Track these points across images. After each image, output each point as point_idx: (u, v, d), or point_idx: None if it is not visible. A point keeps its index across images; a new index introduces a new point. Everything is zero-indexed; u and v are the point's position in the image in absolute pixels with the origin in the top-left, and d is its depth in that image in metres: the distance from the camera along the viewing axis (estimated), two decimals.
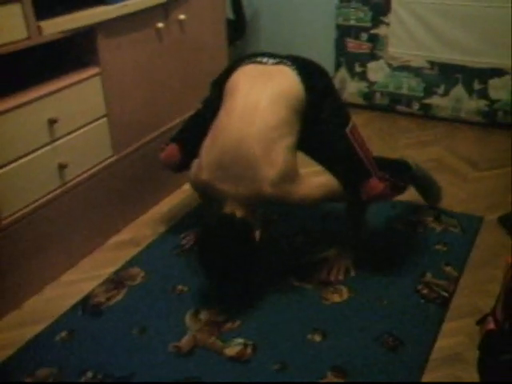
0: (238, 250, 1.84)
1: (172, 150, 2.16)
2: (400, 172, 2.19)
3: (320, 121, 1.94)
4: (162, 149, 2.22)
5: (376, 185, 1.92)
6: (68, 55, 2.20)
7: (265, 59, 1.98)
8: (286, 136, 1.83)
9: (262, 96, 1.86)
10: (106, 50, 2.19)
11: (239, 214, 1.84)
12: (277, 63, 1.96)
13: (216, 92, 2.07)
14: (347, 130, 1.97)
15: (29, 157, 1.97)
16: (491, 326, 1.65)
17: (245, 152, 1.79)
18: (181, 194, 2.71)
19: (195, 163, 2.00)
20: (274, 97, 1.86)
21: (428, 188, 2.47)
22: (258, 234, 1.90)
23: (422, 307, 1.97)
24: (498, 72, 3.13)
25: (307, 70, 1.98)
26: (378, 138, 3.20)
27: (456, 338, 1.85)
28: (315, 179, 1.91)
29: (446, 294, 2.02)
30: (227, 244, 1.83)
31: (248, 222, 1.86)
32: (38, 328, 1.94)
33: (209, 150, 1.88)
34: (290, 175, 1.82)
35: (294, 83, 1.91)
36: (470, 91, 3.23)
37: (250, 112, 1.83)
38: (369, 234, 2.33)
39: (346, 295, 2.04)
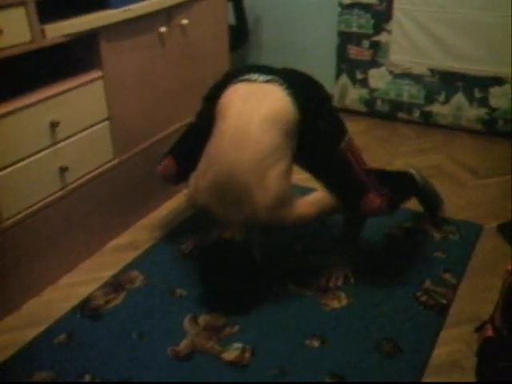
0: (239, 273, 1.91)
1: (168, 163, 2.19)
2: (404, 185, 2.19)
3: (314, 139, 1.91)
4: (158, 162, 2.23)
5: (373, 200, 1.92)
6: (71, 58, 2.21)
7: (255, 76, 1.93)
8: (279, 161, 1.81)
9: (253, 120, 1.83)
10: (109, 54, 2.20)
11: (238, 236, 1.89)
12: (268, 81, 1.91)
13: (208, 107, 2.05)
14: (342, 145, 1.94)
15: (30, 159, 1.97)
16: (490, 333, 1.65)
17: (238, 179, 1.79)
18: (180, 199, 2.72)
19: (192, 183, 1.99)
20: (265, 121, 1.82)
21: (431, 201, 2.46)
22: (258, 252, 1.94)
23: (421, 314, 1.97)
24: (498, 80, 3.14)
25: (300, 88, 1.92)
26: (378, 145, 3.21)
27: (454, 345, 1.85)
28: (308, 198, 1.92)
29: (444, 302, 2.02)
30: (228, 268, 1.90)
31: (247, 244, 1.91)
32: (37, 330, 1.94)
33: (203, 174, 1.88)
34: (283, 200, 1.82)
35: (286, 105, 1.86)
36: (470, 99, 3.24)
37: (242, 137, 1.81)
38: (368, 241, 2.34)
39: (344, 301, 2.04)
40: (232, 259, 1.91)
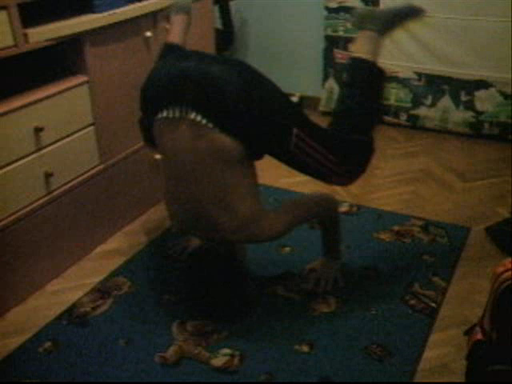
0: (226, 278, 1.91)
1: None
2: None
3: (265, 150, 1.82)
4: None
5: (339, 182, 1.92)
6: (56, 63, 2.19)
7: (170, 113, 1.76)
8: (237, 184, 1.77)
9: (196, 161, 1.75)
10: (94, 59, 2.18)
11: (221, 248, 1.92)
12: (194, 122, 1.72)
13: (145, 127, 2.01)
14: (291, 147, 1.79)
15: (14, 165, 1.95)
16: (479, 336, 1.65)
17: (202, 213, 1.80)
18: None
19: (167, 210, 1.96)
20: (208, 161, 1.73)
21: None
22: (244, 257, 1.96)
23: (410, 317, 1.96)
24: (483, 84, 3.16)
25: (231, 116, 1.71)
26: None
27: (444, 349, 1.84)
28: (277, 212, 1.88)
29: (433, 305, 2.02)
30: (215, 273, 1.91)
31: (232, 252, 1.93)
32: (22, 339, 1.91)
33: (172, 207, 1.90)
34: (251, 218, 1.80)
35: (221, 141, 1.71)
36: (456, 103, 3.26)
37: (192, 176, 1.77)
38: (357, 245, 2.33)
39: (333, 305, 2.03)
40: (218, 264, 1.92)
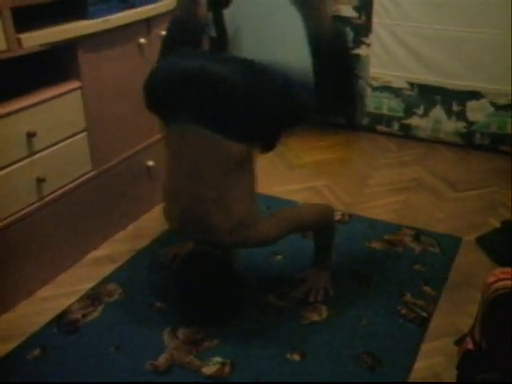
0: (218, 284, 1.91)
1: None
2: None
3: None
4: None
5: None
6: (49, 68, 2.18)
7: (177, 123, 1.84)
8: (238, 185, 1.82)
9: (203, 156, 1.81)
10: (87, 65, 2.17)
11: (215, 250, 1.92)
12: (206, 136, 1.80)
13: None
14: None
15: (6, 170, 1.94)
16: (469, 346, 1.65)
17: (200, 212, 1.83)
18: (160, 210, 2.68)
19: (163, 210, 2.00)
20: (216, 156, 1.80)
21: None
22: (236, 263, 1.97)
23: (401, 327, 1.96)
24: (475, 95, 3.18)
25: (239, 123, 1.79)
26: (358, 157, 3.22)
27: (435, 359, 1.84)
28: (273, 217, 1.92)
29: (424, 314, 2.02)
30: (206, 279, 1.91)
31: (225, 255, 1.93)
32: (10, 346, 1.89)
33: (171, 206, 1.93)
34: (246, 222, 1.83)
35: (229, 147, 1.79)
36: (448, 113, 3.28)
37: (197, 174, 1.82)
38: (348, 254, 2.34)
39: (324, 314, 2.03)
40: (210, 270, 1.91)
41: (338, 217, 2.61)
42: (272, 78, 1.86)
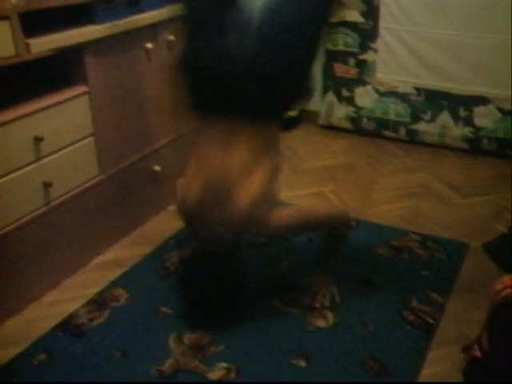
0: (223, 286, 1.91)
1: None
2: None
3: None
4: None
5: None
6: (57, 73, 2.19)
7: (215, 116, 1.93)
8: (263, 162, 1.88)
9: (237, 132, 1.88)
10: (95, 69, 2.18)
11: (220, 248, 1.92)
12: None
13: None
14: None
15: (13, 174, 1.94)
16: (477, 353, 1.64)
17: (224, 181, 1.86)
18: (166, 215, 2.69)
19: (180, 190, 2.01)
20: (249, 134, 1.87)
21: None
22: (238, 265, 1.98)
23: (408, 333, 1.96)
24: (482, 100, 3.17)
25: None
26: (364, 162, 3.22)
27: (442, 366, 1.83)
28: (291, 207, 1.95)
29: (431, 321, 2.01)
30: (212, 281, 1.91)
31: (230, 256, 1.94)
32: (16, 350, 1.89)
33: (192, 181, 1.94)
34: (265, 200, 1.86)
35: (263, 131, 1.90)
36: (455, 118, 3.27)
37: (227, 145, 1.87)
38: (355, 260, 2.33)
39: (331, 320, 2.02)
40: (215, 271, 1.91)
41: None
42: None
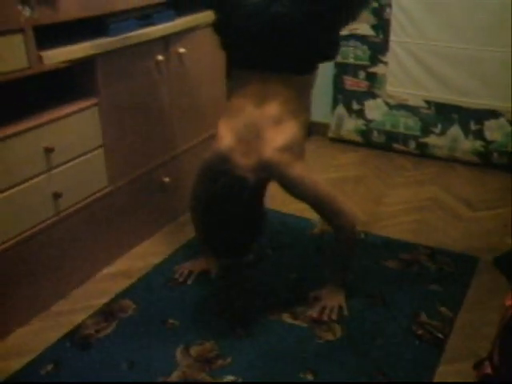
0: (245, 210, 1.90)
1: None
2: None
3: None
4: None
5: None
6: (68, 84, 2.21)
7: (251, 71, 2.03)
8: (297, 112, 1.99)
9: (271, 81, 1.98)
10: (105, 81, 2.20)
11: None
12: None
13: None
14: None
15: (24, 185, 1.96)
16: (488, 370, 1.62)
17: (258, 123, 1.96)
18: (175, 227, 2.70)
19: (219, 131, 2.05)
20: (282, 82, 1.98)
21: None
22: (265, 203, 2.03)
23: (417, 348, 1.94)
24: (493, 114, 3.16)
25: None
26: (374, 175, 3.21)
27: (451, 382, 1.81)
28: (317, 176, 2.06)
29: (440, 336, 1.99)
30: (236, 202, 1.89)
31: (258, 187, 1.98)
32: (24, 360, 1.89)
33: (228, 123, 2.02)
34: (294, 148, 1.96)
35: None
36: (466, 131, 3.26)
37: (264, 96, 1.97)
38: (364, 273, 2.32)
39: (339, 334, 2.01)
40: (241, 196, 1.90)
41: None
42: None
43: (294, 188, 1.98)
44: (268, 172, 1.96)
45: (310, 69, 2.06)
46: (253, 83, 2.00)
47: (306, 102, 2.09)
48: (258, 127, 1.96)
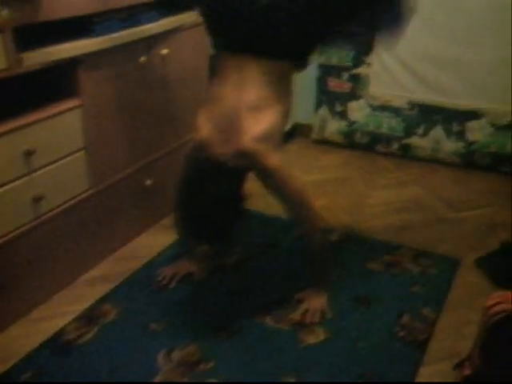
0: (224, 192, 1.92)
1: None
2: None
3: None
4: None
5: None
6: (49, 86, 2.18)
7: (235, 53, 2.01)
8: (276, 100, 1.96)
9: (250, 67, 1.95)
10: (87, 83, 2.18)
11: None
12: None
13: None
14: None
15: (3, 188, 1.93)
16: (468, 371, 1.63)
17: (236, 112, 1.93)
18: (157, 230, 2.68)
19: (198, 121, 2.04)
20: (262, 68, 1.94)
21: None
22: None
23: (400, 350, 1.94)
24: (475, 115, 3.18)
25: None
26: (357, 176, 3.21)
27: (433, 382, 1.81)
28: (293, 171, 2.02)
29: (423, 337, 2.00)
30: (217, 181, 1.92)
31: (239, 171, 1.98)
32: (2, 368, 1.86)
33: (208, 112, 2.00)
34: (273, 137, 1.94)
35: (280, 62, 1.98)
36: (448, 132, 3.28)
37: (241, 82, 1.95)
38: (347, 275, 2.32)
39: (321, 336, 2.01)
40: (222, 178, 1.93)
41: (336, 237, 2.60)
42: None
43: (268, 178, 1.97)
44: (245, 161, 1.94)
45: (290, 54, 2.01)
46: (232, 69, 1.97)
47: (287, 91, 2.04)
48: (236, 115, 1.93)
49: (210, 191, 1.89)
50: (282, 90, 2.00)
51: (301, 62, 2.07)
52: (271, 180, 1.97)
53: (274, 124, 1.96)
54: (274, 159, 1.93)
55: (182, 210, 2.04)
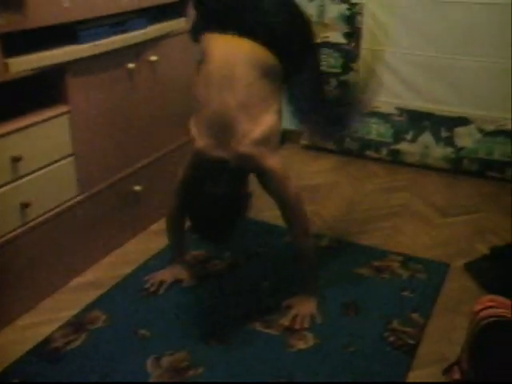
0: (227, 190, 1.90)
1: None
2: None
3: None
4: None
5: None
6: (37, 92, 2.17)
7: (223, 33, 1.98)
8: (269, 96, 1.94)
9: (236, 64, 1.90)
10: (76, 89, 2.17)
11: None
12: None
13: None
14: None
15: None
16: (457, 375, 1.63)
17: (229, 117, 1.89)
18: (146, 236, 2.67)
19: (193, 128, 2.02)
20: (246, 63, 1.90)
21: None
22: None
23: (389, 355, 1.94)
24: (463, 121, 3.20)
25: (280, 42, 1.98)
26: (347, 182, 3.22)
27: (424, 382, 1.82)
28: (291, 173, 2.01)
29: (412, 342, 2.00)
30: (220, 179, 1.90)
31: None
32: None
33: (199, 119, 1.97)
34: (271, 140, 1.93)
35: (264, 51, 1.93)
36: (437, 138, 3.29)
37: (227, 81, 1.89)
38: (336, 280, 2.32)
39: (311, 342, 2.00)
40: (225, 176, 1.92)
41: (325, 242, 2.60)
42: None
43: (267, 181, 1.97)
44: (245, 163, 1.93)
45: (277, 43, 1.96)
46: (217, 60, 1.91)
47: (277, 87, 1.99)
48: (228, 116, 1.88)
49: (212, 191, 1.88)
50: (272, 85, 1.95)
51: (289, 59, 2.01)
52: (270, 182, 1.96)
53: (272, 125, 1.94)
54: (273, 161, 1.93)
55: (189, 209, 2.01)
